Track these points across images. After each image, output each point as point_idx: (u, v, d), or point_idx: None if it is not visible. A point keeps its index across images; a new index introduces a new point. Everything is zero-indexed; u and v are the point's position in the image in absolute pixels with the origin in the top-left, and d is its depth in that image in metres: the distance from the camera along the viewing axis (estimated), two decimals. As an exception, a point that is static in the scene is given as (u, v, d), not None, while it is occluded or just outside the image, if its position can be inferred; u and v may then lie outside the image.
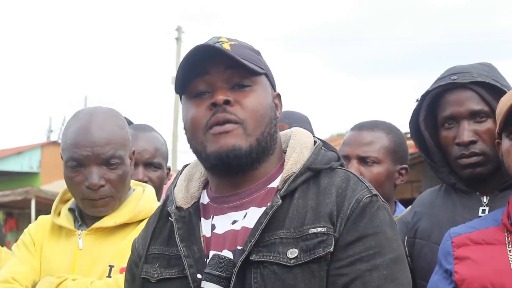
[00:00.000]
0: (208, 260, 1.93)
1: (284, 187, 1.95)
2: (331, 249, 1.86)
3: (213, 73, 1.98)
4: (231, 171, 1.98)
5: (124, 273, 2.51)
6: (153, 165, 3.39)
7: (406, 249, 2.71)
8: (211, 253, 1.96)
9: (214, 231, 2.00)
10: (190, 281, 1.92)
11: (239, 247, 1.93)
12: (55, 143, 27.70)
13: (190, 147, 2.05)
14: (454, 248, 2.44)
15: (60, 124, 34.67)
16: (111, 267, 2.60)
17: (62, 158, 2.74)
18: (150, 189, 2.84)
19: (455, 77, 2.68)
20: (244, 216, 1.98)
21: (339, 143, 3.37)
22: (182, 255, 1.95)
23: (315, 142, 2.07)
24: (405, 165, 3.26)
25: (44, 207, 17.66)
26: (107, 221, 2.68)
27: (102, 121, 2.68)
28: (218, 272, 1.88)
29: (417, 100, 2.80)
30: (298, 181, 1.96)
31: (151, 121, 3.71)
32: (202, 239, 1.99)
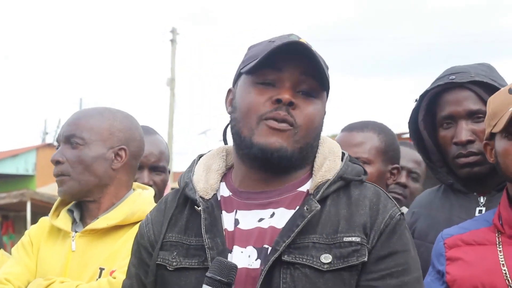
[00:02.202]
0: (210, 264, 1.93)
1: (320, 193, 1.98)
2: (365, 259, 1.91)
3: (287, 71, 2.00)
4: (266, 167, 2.01)
5: (107, 277, 2.51)
6: (158, 169, 3.38)
7: None
8: (235, 248, 1.97)
9: (238, 226, 2.00)
10: None
11: (266, 246, 1.95)
12: (50, 145, 27.65)
13: (232, 128, 2.07)
14: (446, 249, 2.45)
15: (56, 127, 34.64)
16: (101, 269, 2.59)
17: None
18: (149, 192, 2.83)
19: (453, 76, 2.70)
20: (272, 216, 1.99)
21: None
22: (206, 246, 1.96)
23: (343, 153, 2.11)
24: (396, 165, 3.26)
25: (40, 210, 17.63)
26: (100, 223, 2.68)
27: (91, 109, 2.81)
28: (219, 277, 1.89)
29: (416, 100, 2.81)
30: (331, 188, 2.00)
31: (146, 123, 3.70)
32: (224, 232, 2.00)
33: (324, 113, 2.09)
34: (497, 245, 2.38)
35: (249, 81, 2.03)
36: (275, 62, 1.99)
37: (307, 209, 1.94)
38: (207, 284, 1.89)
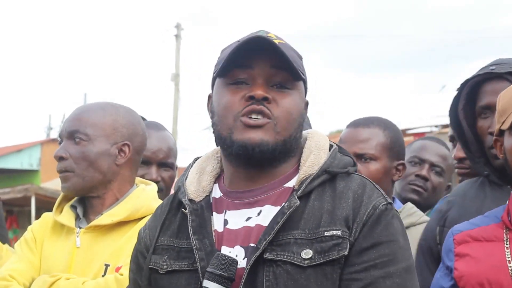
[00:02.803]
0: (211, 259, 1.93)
1: (301, 188, 1.97)
2: (346, 253, 1.89)
3: (257, 67, 1.99)
4: (250, 163, 2.00)
5: (114, 274, 2.51)
6: (167, 165, 3.38)
7: (438, 238, 2.73)
8: (223, 248, 1.97)
9: (227, 226, 2.01)
10: (200, 274, 1.93)
11: (252, 244, 1.95)
12: (54, 140, 27.67)
13: (213, 132, 2.07)
14: (455, 245, 2.44)
15: (60, 122, 34.64)
16: (107, 266, 2.59)
17: None
18: (152, 187, 2.83)
19: (494, 67, 2.70)
20: (259, 214, 1.99)
21: (337, 140, 3.37)
22: (194, 247, 1.96)
23: (331, 145, 2.09)
24: (402, 161, 3.25)
25: (44, 205, 17.66)
26: (104, 219, 2.67)
27: (93, 105, 2.79)
28: (220, 272, 1.89)
29: (458, 89, 2.82)
30: (315, 183, 1.98)
31: (151, 118, 3.71)
32: (213, 233, 2.00)
33: (305, 103, 2.09)
34: (505, 242, 2.37)
35: (222, 83, 2.03)
36: (243, 60, 1.99)
37: (287, 205, 1.94)
38: (208, 279, 1.90)
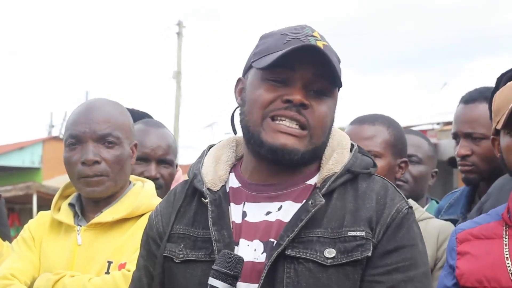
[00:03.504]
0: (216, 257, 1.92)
1: (325, 187, 1.96)
2: (369, 254, 1.90)
3: (300, 71, 1.96)
4: (276, 163, 1.99)
5: (122, 270, 2.51)
6: (166, 162, 3.37)
7: None
8: (241, 241, 1.96)
9: (246, 218, 2.00)
10: None
11: (271, 240, 1.94)
12: (56, 138, 27.71)
13: (240, 121, 2.05)
14: (457, 244, 2.45)
15: (62, 119, 34.70)
16: (109, 263, 2.58)
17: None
18: (150, 185, 2.82)
19: None
20: (279, 209, 1.98)
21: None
22: (213, 239, 1.95)
23: (352, 145, 2.08)
24: (404, 159, 3.25)
25: (46, 202, 17.67)
26: (105, 216, 2.67)
27: (103, 104, 2.75)
28: (226, 270, 1.88)
29: (496, 83, 2.80)
30: (338, 182, 1.98)
31: (152, 116, 3.72)
32: (231, 225, 1.99)
33: (335, 108, 2.06)
34: (504, 239, 2.38)
35: (260, 76, 1.99)
36: (288, 61, 1.95)
37: (311, 203, 1.93)
38: (213, 277, 1.89)
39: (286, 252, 1.90)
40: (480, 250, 2.39)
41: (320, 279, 1.88)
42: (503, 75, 2.77)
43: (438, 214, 3.41)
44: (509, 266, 2.31)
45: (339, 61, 2.04)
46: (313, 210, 1.91)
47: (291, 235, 1.90)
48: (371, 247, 1.90)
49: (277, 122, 1.95)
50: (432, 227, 3.02)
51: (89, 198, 2.71)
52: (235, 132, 2.14)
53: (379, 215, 1.93)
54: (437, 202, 3.74)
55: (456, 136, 3.22)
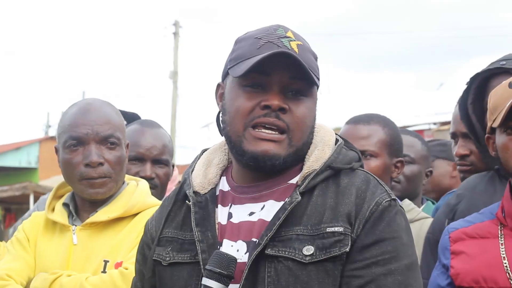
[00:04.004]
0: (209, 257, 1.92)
1: (304, 184, 1.96)
2: (347, 249, 1.89)
3: (275, 75, 1.96)
4: (259, 170, 1.99)
5: (119, 268, 2.52)
6: (161, 162, 3.37)
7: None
8: (225, 241, 1.97)
9: (231, 220, 2.01)
10: (202, 267, 1.93)
11: (254, 239, 1.95)
12: (53, 138, 27.58)
13: (222, 129, 2.06)
14: (451, 243, 2.44)
15: (58, 120, 34.68)
16: (105, 262, 2.59)
17: (57, 149, 2.75)
18: (143, 184, 2.83)
19: (504, 62, 2.71)
20: (262, 208, 1.99)
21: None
22: (196, 239, 1.96)
23: (337, 140, 2.08)
24: (400, 158, 3.25)
25: (43, 203, 17.65)
26: (100, 216, 2.67)
27: (100, 105, 2.75)
28: (219, 270, 1.88)
29: (467, 83, 2.81)
30: (318, 178, 1.98)
31: (149, 116, 3.73)
32: (216, 226, 2.00)
33: (316, 106, 2.06)
34: (499, 238, 2.37)
35: (237, 83, 2.01)
36: (262, 67, 1.95)
37: (288, 201, 1.93)
38: (207, 277, 1.89)
39: (266, 252, 1.90)
40: (476, 249, 2.38)
41: (300, 276, 1.88)
42: (477, 75, 2.76)
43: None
44: (506, 266, 2.31)
45: (316, 58, 2.04)
46: (289, 208, 1.92)
47: (269, 234, 1.90)
48: (350, 242, 1.89)
49: (257, 130, 1.96)
50: (428, 227, 3.02)
51: (86, 199, 2.71)
52: (221, 134, 2.13)
53: (358, 210, 1.92)
54: (433, 203, 3.74)
55: (454, 136, 3.22)
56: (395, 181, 3.59)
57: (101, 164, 2.65)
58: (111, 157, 2.67)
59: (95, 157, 2.63)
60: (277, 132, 1.96)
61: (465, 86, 2.82)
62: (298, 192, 1.94)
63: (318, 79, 2.02)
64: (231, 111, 2.00)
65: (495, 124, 2.38)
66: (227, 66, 2.05)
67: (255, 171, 2.01)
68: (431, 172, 3.77)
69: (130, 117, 3.67)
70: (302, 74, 1.96)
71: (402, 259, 1.91)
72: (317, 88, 2.05)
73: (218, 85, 2.11)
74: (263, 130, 1.96)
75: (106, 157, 2.66)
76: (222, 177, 2.11)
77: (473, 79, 2.78)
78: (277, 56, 1.93)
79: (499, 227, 2.39)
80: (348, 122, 3.28)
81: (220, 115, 2.08)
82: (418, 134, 3.86)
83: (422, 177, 3.68)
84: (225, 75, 2.07)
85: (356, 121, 3.26)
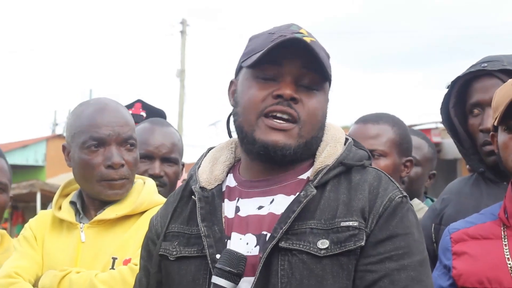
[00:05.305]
0: (220, 255, 1.93)
1: (317, 179, 1.98)
2: (363, 244, 1.90)
3: (288, 65, 1.99)
4: (269, 161, 2.01)
5: (128, 264, 2.52)
6: (170, 160, 3.38)
7: (433, 236, 2.73)
8: (234, 234, 1.98)
9: (238, 213, 2.01)
10: (209, 261, 1.94)
11: (264, 232, 1.95)
12: (60, 136, 27.72)
13: (234, 122, 2.08)
14: (452, 244, 2.44)
15: (66, 118, 34.71)
16: (114, 259, 2.59)
17: (66, 148, 2.73)
18: (150, 182, 2.83)
19: (486, 64, 2.69)
20: (271, 202, 2.00)
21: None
22: (202, 234, 1.97)
23: (346, 139, 2.10)
24: (410, 157, 3.25)
25: (49, 201, 17.59)
26: (108, 213, 2.67)
27: (116, 105, 2.75)
28: (229, 268, 1.89)
29: (448, 87, 2.80)
30: (330, 174, 1.99)
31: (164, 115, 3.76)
32: (223, 220, 2.01)
33: (327, 103, 2.08)
34: (503, 239, 2.37)
35: (250, 75, 2.03)
36: (275, 57, 1.98)
37: (303, 194, 1.95)
38: (216, 275, 1.90)
39: (280, 244, 1.91)
40: (478, 250, 2.38)
41: (314, 270, 1.89)
42: (459, 78, 2.74)
43: None
44: (510, 267, 2.31)
45: (328, 57, 2.06)
46: (304, 201, 1.93)
47: (284, 227, 1.91)
48: (364, 236, 1.91)
49: (270, 119, 1.98)
50: None
51: (102, 199, 2.70)
52: (230, 136, 2.17)
53: (371, 205, 1.94)
54: (432, 201, 3.73)
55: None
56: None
57: (122, 165, 2.65)
58: (130, 159, 2.68)
59: (117, 159, 2.64)
60: (288, 122, 1.98)
61: (446, 90, 2.81)
62: (312, 186, 1.96)
63: (331, 75, 2.04)
64: (244, 101, 2.02)
65: (496, 122, 2.39)
66: (240, 61, 2.07)
67: (266, 162, 2.02)
68: (434, 174, 3.78)
69: (157, 113, 3.69)
70: (314, 64, 1.98)
71: (415, 255, 1.93)
72: (329, 85, 2.07)
73: (231, 82, 2.13)
74: (275, 120, 1.97)
75: (126, 159, 2.67)
76: (228, 174, 2.12)
77: (454, 82, 2.77)
78: (288, 45, 1.96)
79: (502, 228, 2.39)
80: (357, 122, 3.28)
81: (231, 117, 2.10)
82: (426, 135, 3.86)
83: (425, 179, 3.70)
84: (238, 70, 2.09)
85: (365, 120, 3.26)
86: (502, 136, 2.39)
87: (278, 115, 1.98)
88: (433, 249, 2.66)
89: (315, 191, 1.95)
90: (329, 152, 2.03)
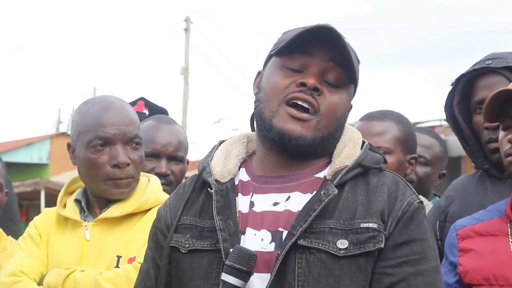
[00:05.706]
0: (230, 251, 1.92)
1: (337, 179, 1.97)
2: (382, 246, 1.90)
3: (316, 56, 2.00)
4: (284, 151, 2.00)
5: (133, 262, 2.52)
6: (176, 158, 3.37)
7: (438, 233, 2.73)
8: (248, 229, 1.97)
9: (253, 208, 2.00)
10: (223, 255, 1.93)
11: (280, 229, 1.94)
12: (64, 134, 27.76)
13: (255, 108, 2.07)
14: (458, 241, 2.44)
15: (70, 116, 34.76)
16: (118, 257, 2.59)
17: (70, 146, 2.73)
18: (155, 179, 2.82)
19: (490, 62, 2.69)
20: (287, 199, 1.99)
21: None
22: (217, 228, 1.96)
23: (363, 142, 2.10)
24: (414, 155, 3.25)
25: (54, 199, 17.44)
26: (113, 211, 2.67)
27: (121, 104, 2.74)
28: (239, 266, 1.88)
29: (452, 84, 2.80)
30: (349, 175, 1.99)
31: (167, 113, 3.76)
32: (238, 214, 1.99)
33: (350, 106, 2.08)
34: (509, 236, 2.38)
35: (278, 63, 2.03)
36: (305, 46, 1.99)
37: (324, 193, 1.94)
38: (226, 273, 1.89)
39: (298, 242, 1.90)
40: (485, 247, 2.38)
41: (332, 270, 1.88)
42: (463, 75, 2.74)
43: None
44: None
45: (359, 62, 2.07)
46: (326, 200, 1.92)
47: (304, 225, 1.90)
48: (383, 239, 1.91)
49: (290, 107, 1.97)
50: None
51: (108, 198, 2.69)
52: (252, 129, 2.15)
53: (390, 208, 1.94)
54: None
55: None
56: (408, 180, 3.58)
57: (127, 164, 2.65)
58: (136, 158, 2.68)
59: (123, 158, 2.63)
60: (307, 112, 1.97)
61: (450, 87, 2.81)
62: (333, 186, 1.95)
63: (357, 77, 2.04)
64: (267, 88, 2.02)
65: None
66: (270, 50, 2.07)
67: (281, 154, 2.01)
68: (444, 174, 3.77)
69: (159, 112, 3.69)
70: (342, 59, 1.98)
71: (430, 260, 1.94)
72: (354, 90, 2.08)
73: (258, 73, 2.13)
74: (295, 109, 1.97)
75: (132, 158, 2.66)
76: (240, 169, 2.11)
77: (458, 79, 2.77)
78: (320, 35, 1.96)
79: (508, 225, 2.40)
80: (362, 119, 3.28)
81: (255, 117, 2.08)
82: (438, 134, 3.84)
83: (435, 179, 3.69)
84: (267, 60, 2.09)
85: (370, 117, 3.25)
86: (500, 135, 2.42)
87: (299, 102, 1.97)
88: (438, 247, 2.66)
89: (336, 190, 1.94)
90: (348, 153, 2.02)
